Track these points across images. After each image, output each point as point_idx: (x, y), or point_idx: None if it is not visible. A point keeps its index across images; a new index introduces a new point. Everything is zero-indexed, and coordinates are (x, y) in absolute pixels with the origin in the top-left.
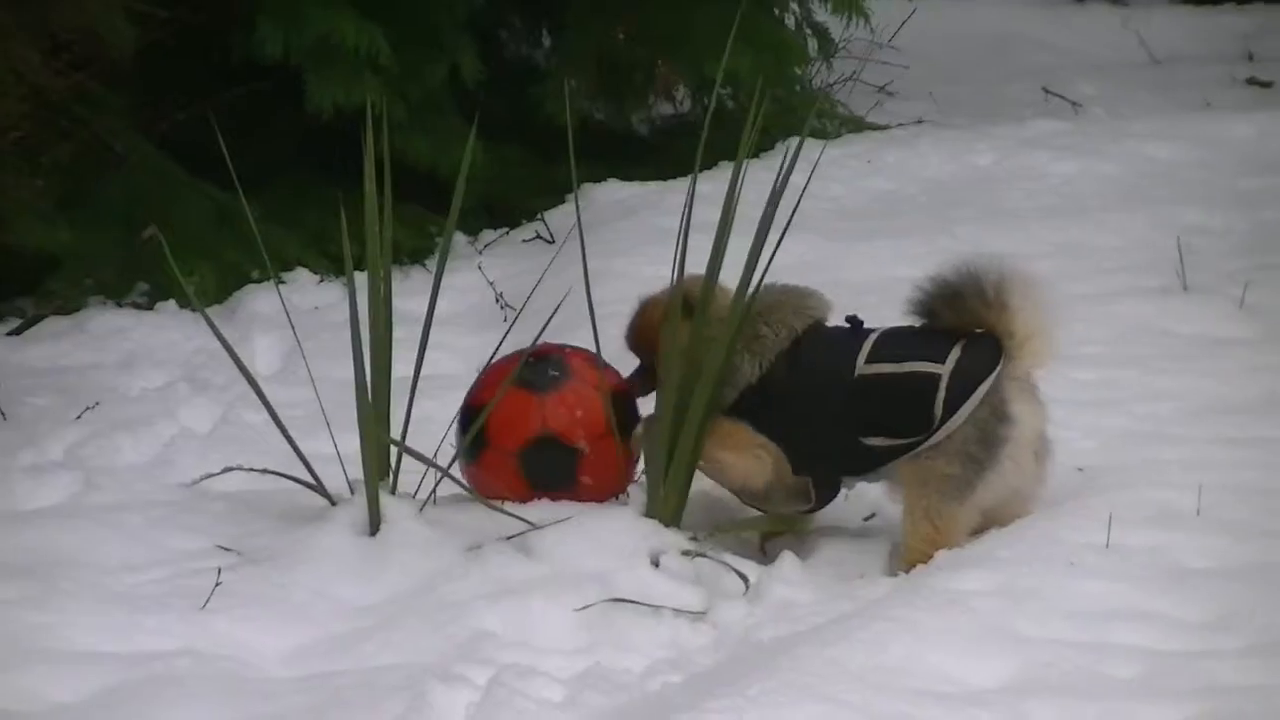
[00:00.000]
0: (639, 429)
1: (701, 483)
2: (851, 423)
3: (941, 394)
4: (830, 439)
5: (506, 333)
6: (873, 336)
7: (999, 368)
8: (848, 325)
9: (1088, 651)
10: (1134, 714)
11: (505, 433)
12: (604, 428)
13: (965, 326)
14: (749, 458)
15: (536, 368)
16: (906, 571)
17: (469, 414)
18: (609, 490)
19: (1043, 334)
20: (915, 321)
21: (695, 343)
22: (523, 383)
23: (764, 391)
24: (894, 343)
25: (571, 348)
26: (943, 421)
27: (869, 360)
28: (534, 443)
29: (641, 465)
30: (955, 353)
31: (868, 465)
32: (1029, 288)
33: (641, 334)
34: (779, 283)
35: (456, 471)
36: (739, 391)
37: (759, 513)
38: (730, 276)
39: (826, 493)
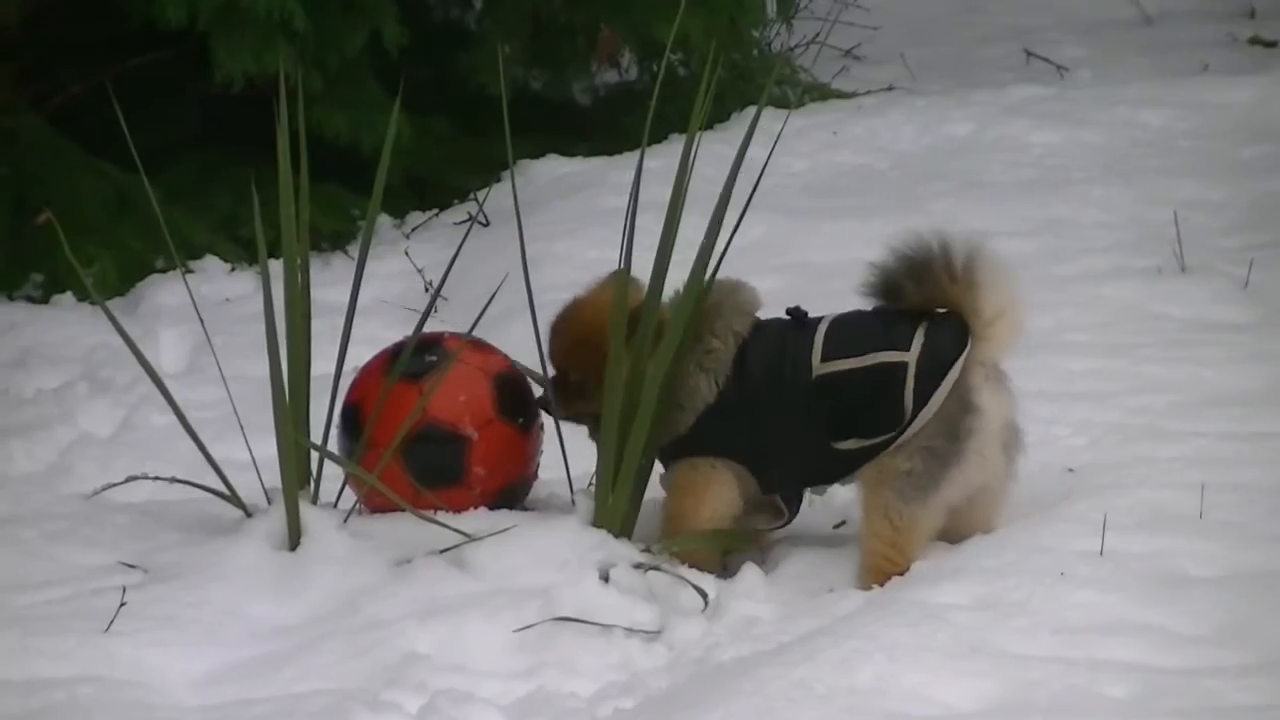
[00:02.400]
0: None
1: (655, 489)
2: (818, 429)
3: (910, 384)
4: (799, 450)
5: (422, 322)
6: (821, 329)
7: (967, 350)
8: (789, 318)
9: (1079, 669)
10: None
11: (383, 428)
12: (492, 412)
13: (928, 305)
14: (712, 496)
15: (413, 356)
16: (869, 580)
17: (347, 413)
18: (504, 480)
19: (1011, 313)
20: (869, 303)
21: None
22: (398, 373)
23: (719, 409)
24: (847, 332)
25: (451, 333)
26: (914, 414)
27: (824, 357)
28: (416, 434)
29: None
30: (919, 337)
31: (842, 471)
32: (998, 264)
33: (574, 350)
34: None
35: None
36: (694, 416)
37: None
38: (683, 260)
39: (796, 505)
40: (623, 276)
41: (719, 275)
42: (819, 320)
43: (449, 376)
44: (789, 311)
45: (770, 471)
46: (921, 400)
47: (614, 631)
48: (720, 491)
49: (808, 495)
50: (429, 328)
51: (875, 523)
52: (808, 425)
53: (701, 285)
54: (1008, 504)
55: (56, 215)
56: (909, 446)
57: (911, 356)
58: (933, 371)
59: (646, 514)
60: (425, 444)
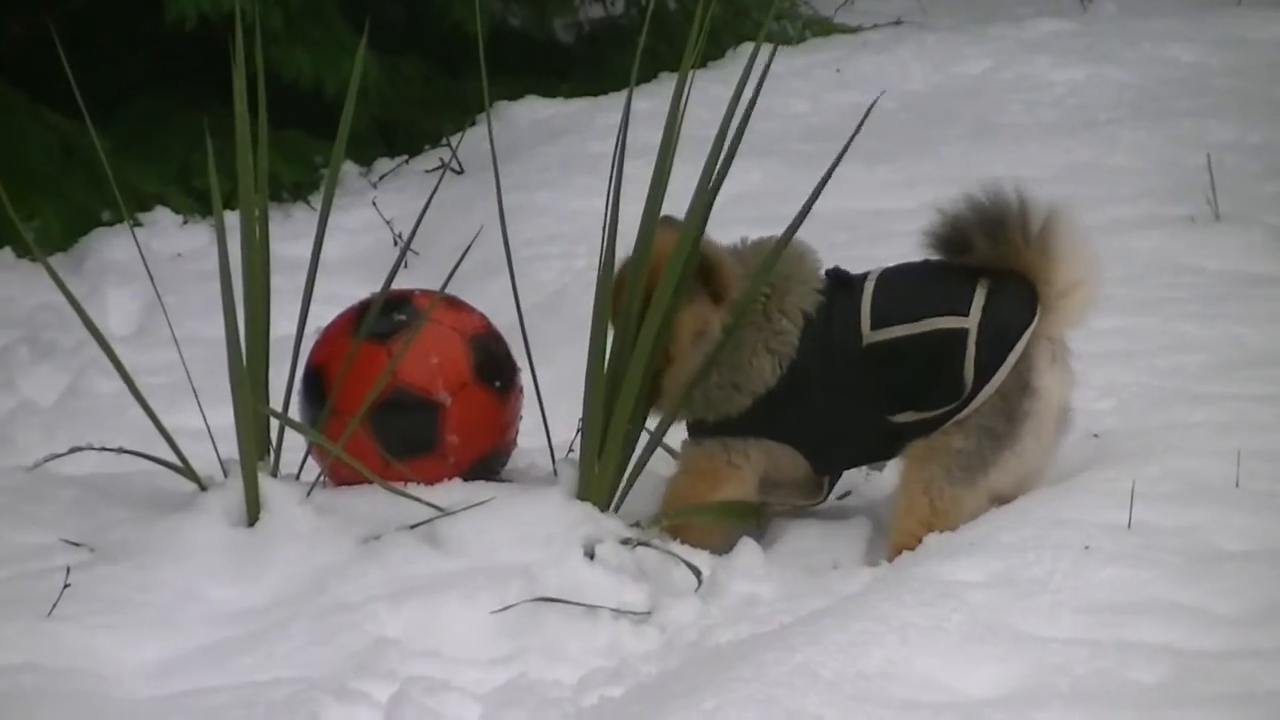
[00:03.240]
0: None
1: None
2: (873, 401)
3: (970, 353)
4: (855, 426)
5: (391, 279)
6: (868, 290)
7: (1035, 322)
8: (830, 280)
9: (1105, 652)
10: None
11: (349, 394)
12: (467, 375)
13: (995, 264)
14: (727, 489)
15: (381, 315)
16: (890, 559)
17: (309, 377)
18: (480, 449)
19: (1087, 287)
20: (930, 254)
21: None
22: (364, 334)
23: (775, 393)
24: (897, 293)
25: (422, 290)
26: (976, 388)
27: (875, 324)
28: (384, 400)
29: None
30: (979, 300)
31: (899, 446)
32: (1078, 231)
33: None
34: (748, 239)
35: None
36: (752, 399)
37: None
38: (676, 209)
39: (833, 485)
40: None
41: (791, 244)
42: (864, 279)
43: (420, 337)
44: (828, 273)
45: (825, 452)
46: (984, 373)
47: (601, 613)
48: (738, 487)
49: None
50: (399, 284)
51: (914, 498)
52: (861, 399)
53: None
54: (1042, 483)
55: None
56: (966, 424)
57: (971, 322)
58: (996, 342)
59: (637, 485)
60: (394, 411)
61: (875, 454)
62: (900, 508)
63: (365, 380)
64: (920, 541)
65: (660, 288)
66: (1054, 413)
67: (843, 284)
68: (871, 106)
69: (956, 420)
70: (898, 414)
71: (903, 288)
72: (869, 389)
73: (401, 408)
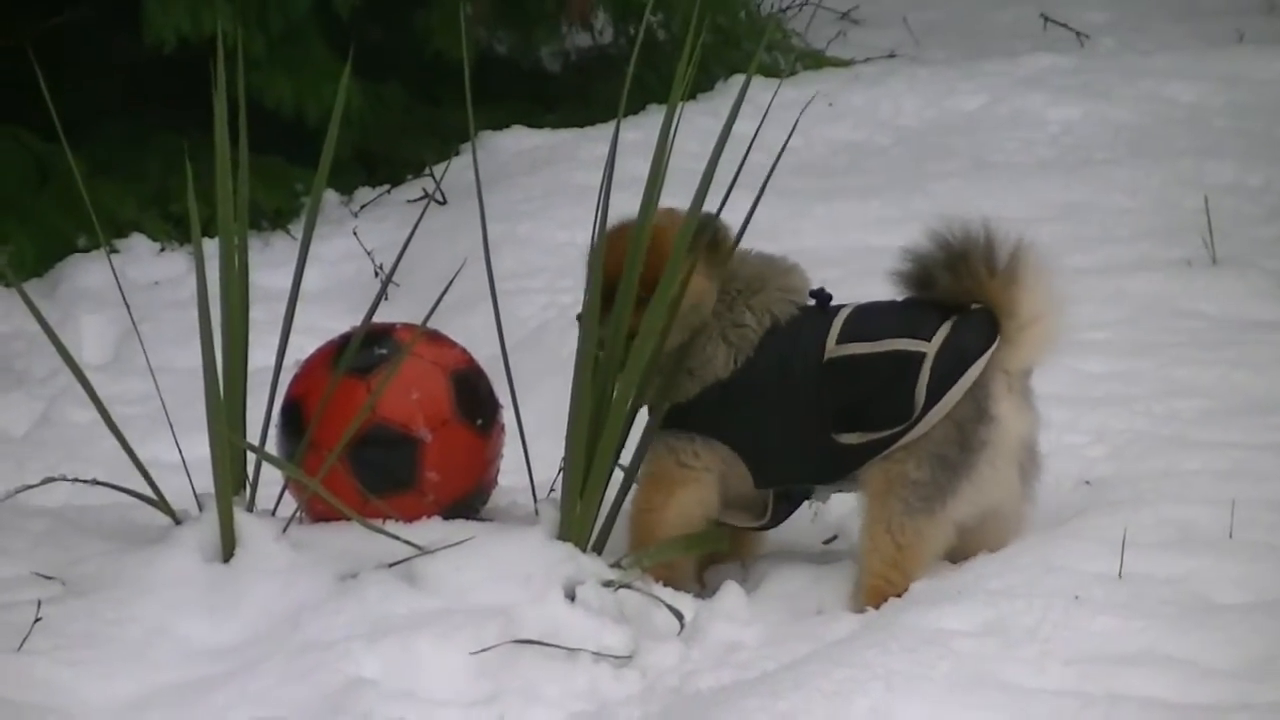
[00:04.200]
0: None
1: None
2: (822, 417)
3: (925, 376)
4: (799, 440)
5: (372, 311)
6: (844, 312)
7: (993, 348)
8: (812, 301)
9: (1095, 705)
10: None
11: (327, 428)
12: (448, 412)
13: (959, 299)
14: (686, 493)
15: (361, 349)
16: (869, 603)
17: (288, 411)
18: (461, 487)
19: (1049, 319)
20: (899, 292)
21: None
22: (344, 367)
23: (727, 387)
24: (870, 319)
25: (403, 324)
26: (925, 410)
27: (840, 340)
28: (363, 435)
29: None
30: (944, 330)
31: (844, 469)
32: (1044, 264)
33: (613, 251)
34: (754, 250)
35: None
36: (701, 387)
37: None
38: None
39: (785, 507)
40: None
41: (771, 256)
42: (843, 305)
43: (401, 372)
44: (813, 294)
45: (767, 463)
46: (935, 395)
47: (581, 656)
48: (695, 490)
49: (806, 506)
50: (380, 317)
51: (877, 538)
52: (812, 413)
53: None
54: (1020, 531)
55: None
56: (918, 453)
57: (931, 348)
58: (951, 366)
59: (618, 525)
60: (374, 446)
61: (818, 475)
62: (865, 548)
63: (344, 415)
64: (890, 583)
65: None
66: (1013, 445)
67: (823, 305)
68: None
69: (908, 448)
70: (844, 433)
71: (876, 314)
72: (821, 404)
73: (381, 443)
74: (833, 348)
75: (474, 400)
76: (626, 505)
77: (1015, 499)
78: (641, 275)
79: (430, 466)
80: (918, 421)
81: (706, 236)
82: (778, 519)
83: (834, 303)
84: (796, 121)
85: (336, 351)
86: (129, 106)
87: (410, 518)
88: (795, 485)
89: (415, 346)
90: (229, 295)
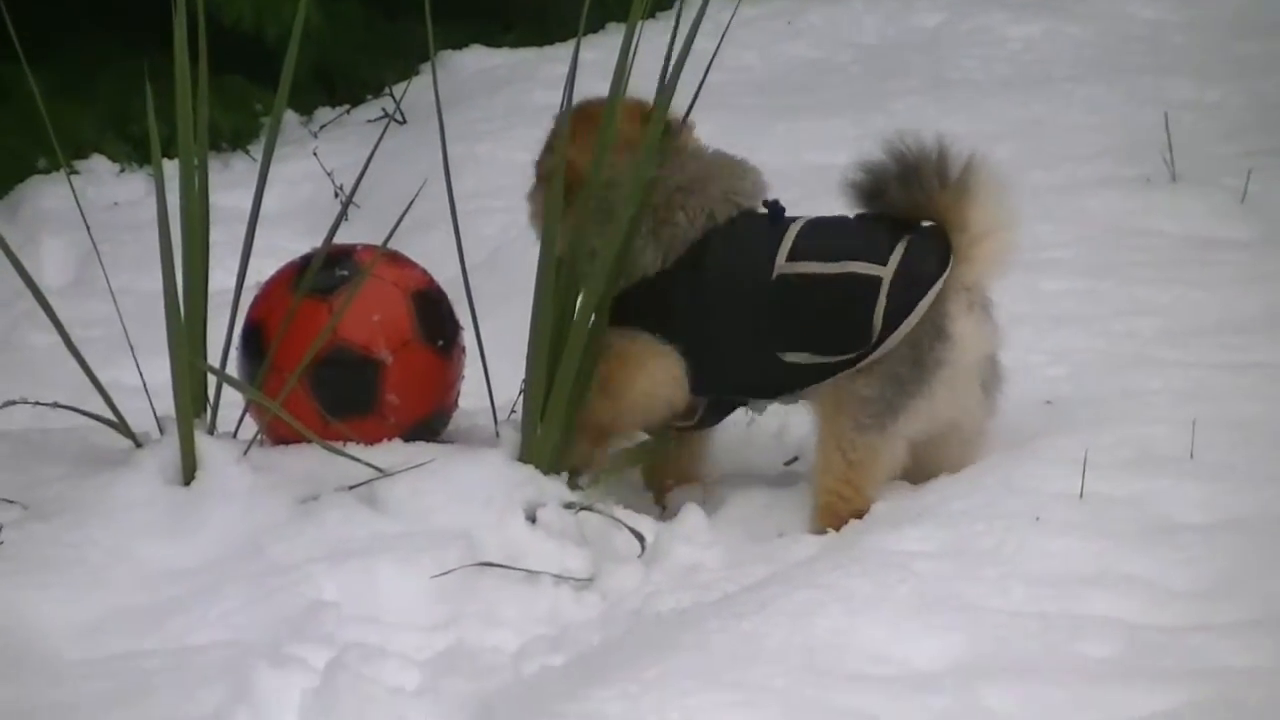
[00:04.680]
0: None
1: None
2: (768, 334)
3: (882, 302)
4: (741, 353)
5: (333, 232)
6: (795, 227)
7: (948, 270)
8: (764, 212)
9: (1056, 625)
10: (1112, 701)
11: (289, 350)
12: (409, 333)
13: (911, 213)
14: (660, 374)
15: (322, 270)
16: (822, 523)
17: (248, 333)
18: (421, 410)
19: (1001, 232)
20: (851, 205)
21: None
22: (305, 289)
23: (661, 291)
24: (822, 235)
25: (364, 245)
26: (882, 337)
27: (791, 257)
28: (324, 357)
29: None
30: (899, 251)
31: (787, 387)
32: (998, 180)
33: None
34: (709, 148)
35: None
36: (628, 283)
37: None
38: None
39: (716, 412)
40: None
41: (729, 156)
42: (796, 219)
43: (361, 293)
44: (765, 204)
45: (704, 370)
46: (892, 321)
47: (541, 579)
48: (663, 365)
49: (742, 413)
50: (340, 238)
51: (828, 456)
52: (757, 328)
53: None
54: (984, 446)
55: None
56: (871, 371)
57: (887, 272)
58: (909, 291)
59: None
60: (334, 368)
61: (758, 388)
62: (818, 468)
63: (305, 337)
64: (842, 498)
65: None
66: (973, 364)
67: (775, 217)
68: None
69: (862, 369)
70: (790, 353)
71: (829, 231)
72: (768, 320)
73: (341, 365)
74: (783, 264)
75: (435, 321)
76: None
77: (977, 415)
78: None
79: (390, 389)
80: (874, 348)
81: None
82: (707, 422)
83: (789, 215)
84: None
85: (297, 273)
86: (87, 26)
87: (371, 440)
88: (733, 396)
89: (376, 267)
90: (189, 217)
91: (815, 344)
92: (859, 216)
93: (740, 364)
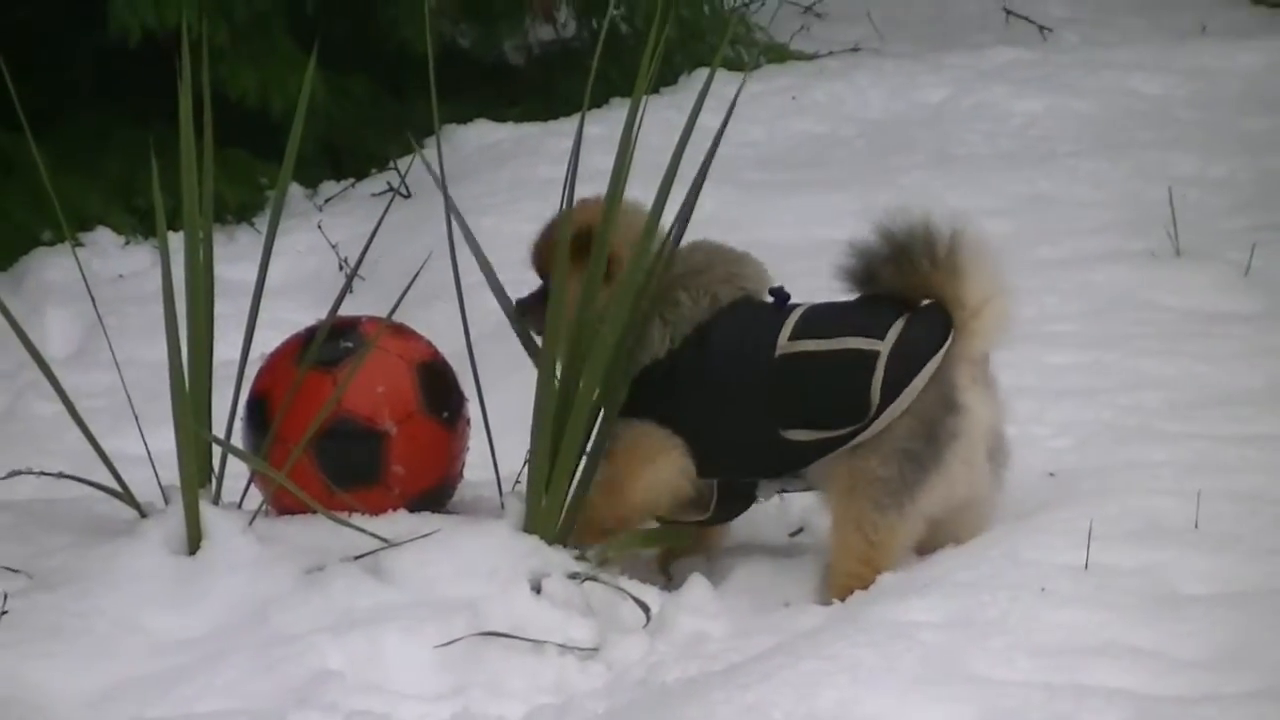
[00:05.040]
0: None
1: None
2: (770, 413)
3: (879, 375)
4: (744, 432)
5: (338, 304)
6: (799, 310)
7: (948, 344)
8: (770, 299)
9: (1061, 696)
10: None
11: (293, 421)
12: (413, 405)
13: (908, 293)
14: (662, 464)
15: (326, 342)
16: (839, 599)
17: (253, 405)
18: (426, 481)
19: (997, 303)
20: (849, 292)
21: (593, 298)
22: (310, 361)
23: (669, 373)
24: (824, 317)
25: (369, 317)
26: (880, 409)
27: (793, 336)
28: (328, 428)
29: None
30: (897, 327)
31: (789, 465)
32: (983, 248)
33: (544, 250)
34: (709, 240)
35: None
36: (639, 369)
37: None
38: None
39: (731, 503)
40: (588, 204)
41: (727, 247)
42: (800, 304)
43: (366, 365)
44: (771, 291)
45: (710, 452)
46: (890, 394)
47: (547, 648)
48: (670, 461)
49: (761, 499)
50: (345, 311)
51: (847, 535)
52: (760, 408)
53: (656, 230)
54: (990, 519)
55: None
56: (883, 449)
57: (884, 346)
58: (906, 363)
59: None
60: (339, 439)
61: (763, 469)
62: (835, 545)
63: (309, 408)
64: (861, 579)
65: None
66: (982, 434)
67: (780, 302)
68: None
69: (871, 445)
70: (792, 430)
71: (830, 312)
72: (770, 399)
73: (346, 437)
74: (785, 344)
75: (439, 393)
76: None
77: (986, 488)
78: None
79: (396, 460)
80: (873, 421)
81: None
82: (721, 516)
83: (793, 301)
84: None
85: (301, 345)
86: (93, 100)
87: (376, 511)
88: (738, 477)
89: (380, 339)
90: (194, 289)
91: (815, 420)
92: (862, 298)
93: (744, 443)
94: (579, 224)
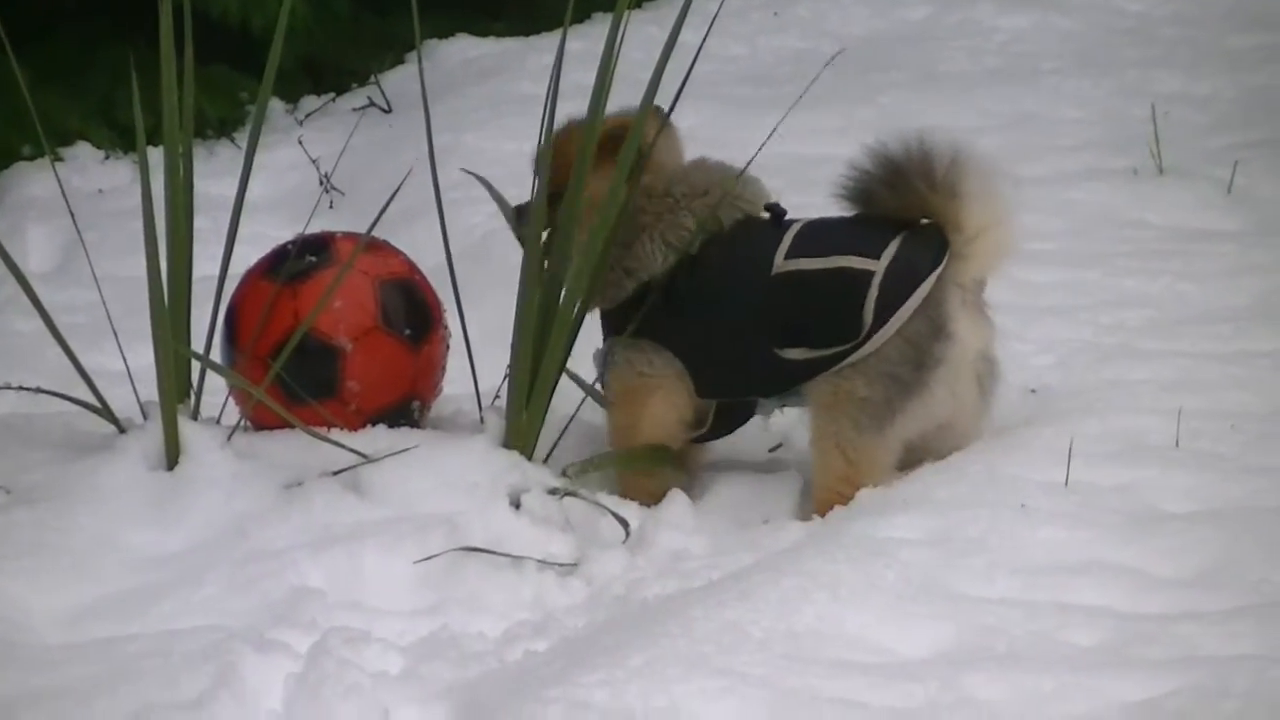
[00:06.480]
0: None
1: (573, 405)
2: (766, 331)
3: (873, 294)
4: (742, 352)
5: (310, 218)
6: (795, 228)
7: (942, 266)
8: (766, 215)
9: (1041, 613)
10: (1097, 689)
11: (250, 336)
12: (373, 320)
13: (906, 215)
14: (655, 403)
15: (295, 258)
16: (820, 516)
17: (227, 321)
18: (386, 397)
19: (997, 229)
20: (847, 209)
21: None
22: (275, 274)
23: (667, 291)
24: (820, 235)
25: (345, 233)
26: (874, 329)
27: (789, 255)
28: (285, 342)
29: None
30: (892, 247)
31: (787, 384)
32: (986, 174)
33: (560, 153)
34: (707, 158)
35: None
36: (636, 285)
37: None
38: None
39: (727, 420)
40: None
41: (728, 165)
42: (796, 221)
43: (328, 281)
44: (767, 207)
45: (708, 372)
46: (883, 315)
47: (526, 564)
48: (662, 397)
49: (760, 418)
50: (326, 226)
51: (827, 454)
52: (757, 327)
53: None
54: (975, 440)
55: None
56: (869, 370)
57: (879, 265)
58: (900, 284)
59: (570, 433)
60: (295, 354)
61: (761, 388)
62: (816, 463)
63: (269, 323)
64: (841, 496)
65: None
66: (971, 361)
67: (777, 219)
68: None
69: (858, 365)
70: (788, 349)
71: (826, 230)
72: (766, 318)
73: (303, 352)
74: (781, 262)
75: (404, 310)
76: (584, 420)
77: (972, 413)
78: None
79: (351, 376)
80: (865, 341)
81: (612, 141)
82: (718, 431)
83: (788, 217)
84: None
85: (274, 261)
86: (74, 15)
87: (333, 425)
88: (736, 398)
89: (344, 254)
90: (174, 206)
91: (810, 338)
92: (858, 216)
93: (743, 363)
94: (611, 124)
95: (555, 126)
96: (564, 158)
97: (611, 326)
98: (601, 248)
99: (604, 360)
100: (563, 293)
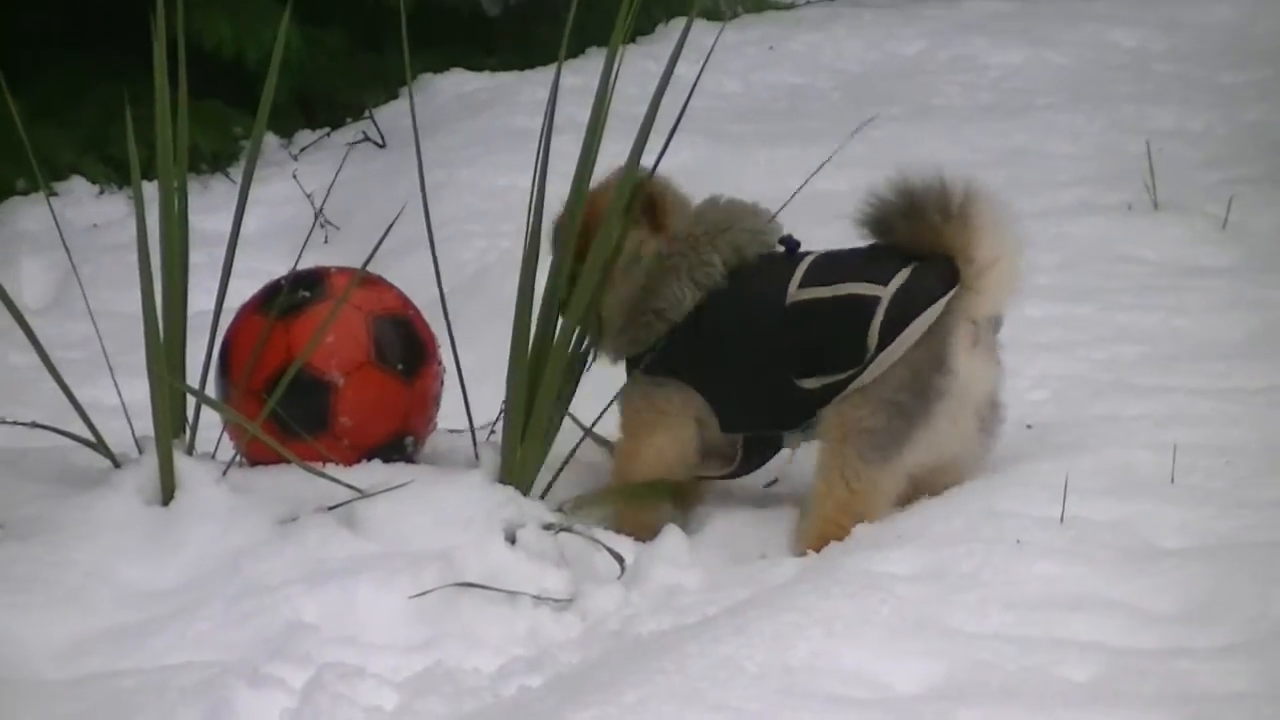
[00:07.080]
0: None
1: (571, 443)
2: (784, 362)
3: (879, 318)
4: (763, 383)
5: (303, 252)
6: (809, 259)
7: (950, 294)
8: (780, 248)
9: (1036, 649)
10: None
11: (247, 368)
12: (365, 355)
13: (918, 245)
14: (660, 438)
15: (288, 293)
16: (814, 546)
17: (222, 355)
18: (379, 432)
19: (1007, 263)
20: (866, 238)
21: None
22: (269, 309)
23: (693, 331)
24: (833, 264)
25: (339, 268)
26: (877, 352)
27: (802, 284)
28: (278, 376)
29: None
30: (902, 275)
31: (804, 414)
32: (998, 208)
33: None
34: (719, 195)
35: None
36: (669, 327)
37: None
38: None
39: (756, 455)
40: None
41: (739, 201)
42: (810, 252)
43: (321, 315)
44: (781, 240)
45: (732, 406)
46: (887, 338)
47: (521, 599)
48: (670, 435)
49: (786, 451)
50: (320, 261)
51: (831, 483)
52: (775, 358)
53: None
54: (972, 476)
55: None
56: (874, 399)
57: (887, 291)
58: (906, 309)
59: (566, 471)
60: (287, 389)
61: (783, 420)
62: (819, 492)
63: (263, 358)
64: (839, 527)
65: (608, 214)
66: (973, 398)
67: (790, 252)
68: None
69: (863, 393)
70: (805, 378)
71: (838, 260)
72: (783, 348)
73: (293, 387)
74: (794, 292)
75: (397, 345)
76: (582, 460)
77: (972, 451)
78: (581, 232)
79: (343, 411)
80: (869, 364)
81: (640, 199)
82: (747, 467)
83: (801, 250)
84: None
85: (266, 295)
86: (68, 49)
87: (325, 461)
88: (761, 430)
89: (338, 288)
90: (168, 238)
91: (822, 366)
92: (871, 246)
93: (764, 394)
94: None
95: (548, 160)
96: (593, 217)
97: (644, 372)
98: (599, 279)
99: (622, 390)
100: (558, 327)
